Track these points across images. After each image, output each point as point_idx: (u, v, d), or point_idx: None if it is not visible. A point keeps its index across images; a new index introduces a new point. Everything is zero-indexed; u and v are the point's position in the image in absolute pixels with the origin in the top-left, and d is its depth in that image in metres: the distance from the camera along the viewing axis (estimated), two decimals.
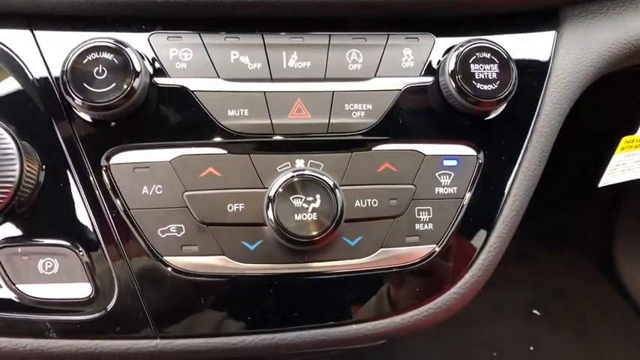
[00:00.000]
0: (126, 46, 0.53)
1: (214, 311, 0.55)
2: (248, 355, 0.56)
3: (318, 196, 0.52)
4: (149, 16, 0.57)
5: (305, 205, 0.52)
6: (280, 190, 0.53)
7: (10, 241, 0.53)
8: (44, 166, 0.54)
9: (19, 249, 0.53)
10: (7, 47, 0.56)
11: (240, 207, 0.55)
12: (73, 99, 0.52)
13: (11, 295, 0.53)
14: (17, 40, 0.56)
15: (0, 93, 0.55)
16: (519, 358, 1.36)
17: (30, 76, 0.55)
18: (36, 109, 0.55)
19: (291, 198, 0.53)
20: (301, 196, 0.52)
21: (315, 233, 0.52)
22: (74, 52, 0.52)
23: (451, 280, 0.58)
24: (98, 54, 0.53)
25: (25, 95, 0.55)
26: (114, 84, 0.52)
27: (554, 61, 0.62)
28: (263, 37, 0.58)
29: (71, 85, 0.52)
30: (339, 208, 0.53)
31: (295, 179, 0.53)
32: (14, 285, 0.53)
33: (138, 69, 0.53)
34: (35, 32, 0.56)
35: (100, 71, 0.52)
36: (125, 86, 0.52)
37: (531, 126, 0.60)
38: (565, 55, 0.62)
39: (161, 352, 0.54)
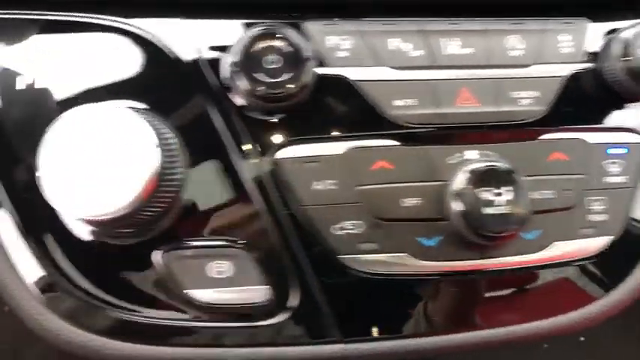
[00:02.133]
0: (296, 33, 0.50)
1: (399, 311, 0.53)
2: (433, 356, 0.53)
3: (506, 189, 0.50)
4: (301, 2, 0.55)
5: (495, 198, 0.50)
6: (466, 182, 0.50)
7: (179, 244, 0.50)
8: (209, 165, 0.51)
9: (189, 252, 0.50)
10: (157, 38, 0.52)
11: (418, 201, 0.52)
12: (246, 90, 0.49)
13: (183, 302, 0.50)
14: (170, 30, 0.53)
15: (158, 89, 0.52)
16: None
17: (190, 71, 0.52)
18: (197, 106, 0.52)
19: (476, 191, 0.50)
20: (489, 188, 0.50)
21: (508, 227, 0.49)
22: (243, 41, 0.49)
23: (628, 271, 0.56)
24: (269, 41, 0.50)
25: (186, 92, 0.52)
26: (291, 74, 0.49)
27: None
28: (420, 24, 0.56)
29: (244, 75, 0.49)
30: (528, 200, 0.50)
31: (480, 171, 0.51)
32: (185, 291, 0.50)
33: (310, 58, 0.50)
34: (187, 21, 0.53)
35: (273, 60, 0.49)
36: (301, 76, 0.49)
37: None
38: None
39: (349, 356, 0.51)
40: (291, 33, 0.50)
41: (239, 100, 0.51)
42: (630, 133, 0.57)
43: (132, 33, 0.52)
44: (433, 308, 0.53)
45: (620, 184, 0.56)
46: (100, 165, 0.44)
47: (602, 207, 0.55)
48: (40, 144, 0.45)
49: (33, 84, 0.51)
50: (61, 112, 0.47)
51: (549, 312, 0.55)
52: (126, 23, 0.53)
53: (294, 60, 0.49)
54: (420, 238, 0.52)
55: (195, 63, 0.52)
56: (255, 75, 0.49)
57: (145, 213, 0.46)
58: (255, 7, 0.54)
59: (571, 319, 0.55)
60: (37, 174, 0.44)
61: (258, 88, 0.49)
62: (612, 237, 0.55)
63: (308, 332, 0.51)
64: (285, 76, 0.49)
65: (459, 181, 0.50)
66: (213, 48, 0.53)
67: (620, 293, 0.56)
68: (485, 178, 0.50)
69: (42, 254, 0.50)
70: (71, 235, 0.50)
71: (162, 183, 0.46)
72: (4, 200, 0.50)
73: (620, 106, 0.57)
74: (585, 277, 0.56)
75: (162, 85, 0.52)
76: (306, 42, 0.50)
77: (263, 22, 0.51)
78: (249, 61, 0.49)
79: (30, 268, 0.50)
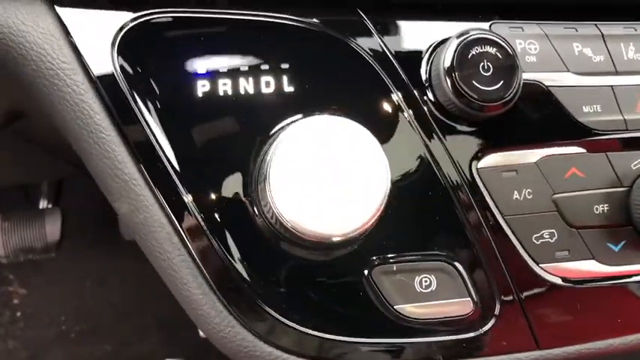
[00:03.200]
0: (506, 38, 0.49)
1: (590, 317, 0.53)
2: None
3: None
4: (485, 3, 0.53)
5: None
6: None
7: (384, 259, 0.48)
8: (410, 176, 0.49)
9: (394, 267, 0.48)
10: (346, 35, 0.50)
11: (605, 208, 0.52)
12: (462, 98, 0.47)
13: (390, 318, 0.48)
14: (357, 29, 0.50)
15: (355, 92, 0.49)
16: None
17: (384, 74, 0.49)
18: (393, 110, 0.49)
19: None
20: None
21: None
22: (459, 46, 0.47)
23: None
24: (481, 48, 0.48)
25: (381, 96, 0.49)
26: (502, 81, 0.48)
27: None
28: (599, 28, 0.55)
29: (460, 82, 0.47)
30: None
31: None
32: (392, 307, 0.48)
33: (520, 62, 0.48)
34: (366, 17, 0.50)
35: (486, 67, 0.47)
36: (513, 85, 0.48)
37: None
38: None
39: None
40: (501, 38, 0.48)
41: (438, 106, 0.50)
42: None
43: (324, 33, 0.49)
44: (620, 311, 0.54)
45: None
46: (335, 183, 0.42)
47: None
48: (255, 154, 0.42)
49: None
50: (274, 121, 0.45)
51: None
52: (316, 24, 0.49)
53: (506, 67, 0.48)
54: (610, 243, 0.53)
55: (391, 65, 0.50)
56: (472, 82, 0.47)
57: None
58: (446, 9, 0.52)
59: None
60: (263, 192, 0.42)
61: (473, 96, 0.47)
62: None
63: (510, 341, 0.51)
64: (497, 85, 0.47)
65: None
66: (407, 51, 0.50)
67: None
68: None
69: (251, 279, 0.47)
70: (277, 253, 0.47)
71: None
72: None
73: None
74: None
75: (358, 87, 0.50)
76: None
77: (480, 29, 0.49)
78: (463, 68, 0.47)
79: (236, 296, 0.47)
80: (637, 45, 0.55)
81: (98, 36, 0.45)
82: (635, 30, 0.56)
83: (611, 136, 0.54)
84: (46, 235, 1.25)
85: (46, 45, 0.43)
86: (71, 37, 0.45)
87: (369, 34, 0.50)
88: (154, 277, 0.50)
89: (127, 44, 0.46)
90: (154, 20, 0.46)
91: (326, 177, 0.42)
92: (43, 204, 1.33)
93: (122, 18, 0.45)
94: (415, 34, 0.51)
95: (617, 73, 0.54)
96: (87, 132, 0.45)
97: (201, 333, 0.51)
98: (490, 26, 0.53)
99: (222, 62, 0.47)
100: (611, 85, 0.54)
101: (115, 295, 1.46)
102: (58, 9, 0.46)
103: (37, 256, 1.29)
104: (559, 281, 0.51)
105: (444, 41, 0.50)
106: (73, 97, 0.44)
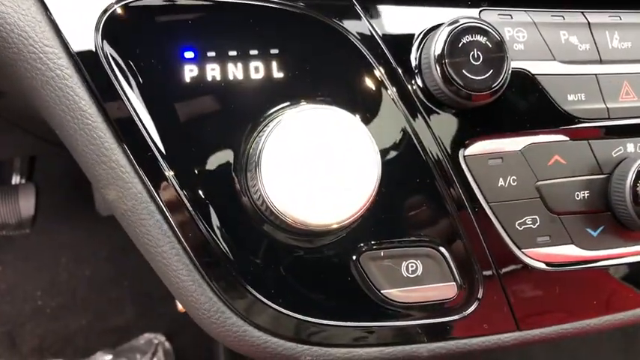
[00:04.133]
0: (497, 26, 0.49)
1: (568, 300, 0.55)
2: None
3: None
4: None
5: None
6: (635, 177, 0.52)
7: (371, 245, 0.49)
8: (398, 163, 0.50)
9: (382, 252, 0.49)
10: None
11: (586, 194, 0.54)
12: (451, 86, 0.47)
13: (376, 302, 0.49)
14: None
15: (343, 79, 0.49)
16: None
17: (373, 59, 0.49)
18: (379, 96, 0.49)
19: None
20: None
21: None
22: (451, 34, 0.47)
23: None
24: (472, 37, 0.48)
25: (368, 84, 0.49)
26: (491, 71, 0.48)
27: None
28: (585, 16, 0.56)
29: (450, 70, 0.47)
30: None
31: None
32: (379, 291, 0.49)
33: (509, 52, 0.49)
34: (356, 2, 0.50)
35: (476, 56, 0.48)
36: (503, 71, 0.48)
37: None
38: None
39: (521, 342, 0.53)
40: (492, 28, 0.48)
41: (426, 93, 0.50)
42: None
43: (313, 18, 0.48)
44: (597, 293, 0.56)
45: None
46: (326, 172, 0.42)
47: None
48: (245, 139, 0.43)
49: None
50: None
51: None
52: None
53: (496, 58, 0.48)
54: (589, 229, 0.55)
55: (381, 50, 0.49)
56: (462, 71, 0.47)
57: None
58: None
59: None
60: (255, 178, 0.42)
61: (461, 84, 0.47)
62: None
63: (491, 324, 0.53)
64: (487, 75, 0.48)
65: (630, 175, 0.52)
66: (396, 36, 0.50)
67: None
68: None
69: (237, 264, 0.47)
70: (264, 237, 0.47)
71: None
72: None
73: None
74: None
75: (348, 74, 0.49)
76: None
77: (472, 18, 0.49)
78: (454, 56, 0.47)
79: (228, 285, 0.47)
80: (621, 34, 0.56)
81: (82, 19, 0.43)
82: (620, 18, 0.57)
83: (593, 124, 0.55)
84: (20, 211, 1.23)
85: (27, 27, 0.42)
86: (54, 19, 0.43)
87: (359, 18, 0.50)
88: (129, 252, 0.49)
89: (112, 27, 0.44)
90: (138, 4, 0.44)
91: (318, 166, 0.42)
92: (15, 180, 1.30)
93: (106, 0, 0.44)
94: (404, 20, 0.51)
95: (601, 62, 0.55)
96: (72, 118, 0.43)
97: (179, 306, 0.51)
98: (480, 13, 0.53)
99: (209, 47, 0.46)
100: (596, 74, 0.55)
101: (89, 270, 1.45)
102: None
103: (12, 232, 1.26)
104: (540, 265, 0.53)
105: (434, 28, 0.50)
106: (56, 82, 0.43)
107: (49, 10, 0.43)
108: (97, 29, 0.43)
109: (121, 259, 1.42)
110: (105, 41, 0.43)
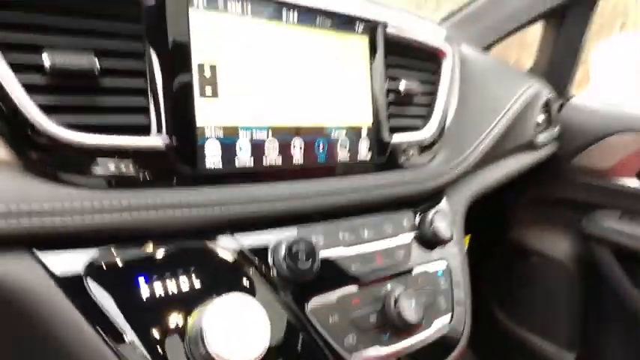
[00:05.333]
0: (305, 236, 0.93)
1: None
2: None
3: None
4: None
5: None
6: None
7: None
8: None
9: None
10: None
11: (375, 317, 0.97)
12: (291, 272, 0.89)
13: None
14: None
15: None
16: None
17: None
18: (261, 289, 0.88)
19: None
20: None
21: None
22: (287, 248, 0.90)
23: None
24: (299, 246, 0.91)
25: None
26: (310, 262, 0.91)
27: None
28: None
29: (289, 263, 0.89)
30: None
31: None
32: None
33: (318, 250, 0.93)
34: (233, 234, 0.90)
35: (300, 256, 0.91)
36: (316, 265, 0.91)
37: None
38: None
39: None
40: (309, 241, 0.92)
41: (281, 276, 0.90)
42: None
43: None
44: None
45: None
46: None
47: None
48: None
49: None
50: None
51: None
52: None
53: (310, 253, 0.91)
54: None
55: (250, 261, 0.89)
56: (296, 264, 0.89)
57: None
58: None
59: None
60: None
61: (296, 271, 0.88)
62: None
63: None
64: (308, 265, 0.90)
65: None
66: (257, 249, 0.91)
67: None
68: None
69: None
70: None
71: None
72: None
73: None
74: None
75: (234, 277, 0.85)
76: None
77: None
78: (283, 257, 0.89)
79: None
80: None
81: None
82: None
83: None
84: None
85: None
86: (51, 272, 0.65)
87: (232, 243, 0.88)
88: None
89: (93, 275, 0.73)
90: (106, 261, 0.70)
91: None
92: None
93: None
94: (261, 238, 0.90)
95: None
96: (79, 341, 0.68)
97: None
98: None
99: (158, 282, 0.78)
100: None
101: None
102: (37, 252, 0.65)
103: None
104: None
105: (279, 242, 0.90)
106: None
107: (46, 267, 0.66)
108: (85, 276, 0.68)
109: None
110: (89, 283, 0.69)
